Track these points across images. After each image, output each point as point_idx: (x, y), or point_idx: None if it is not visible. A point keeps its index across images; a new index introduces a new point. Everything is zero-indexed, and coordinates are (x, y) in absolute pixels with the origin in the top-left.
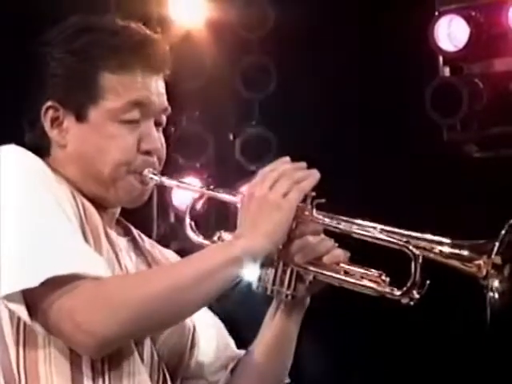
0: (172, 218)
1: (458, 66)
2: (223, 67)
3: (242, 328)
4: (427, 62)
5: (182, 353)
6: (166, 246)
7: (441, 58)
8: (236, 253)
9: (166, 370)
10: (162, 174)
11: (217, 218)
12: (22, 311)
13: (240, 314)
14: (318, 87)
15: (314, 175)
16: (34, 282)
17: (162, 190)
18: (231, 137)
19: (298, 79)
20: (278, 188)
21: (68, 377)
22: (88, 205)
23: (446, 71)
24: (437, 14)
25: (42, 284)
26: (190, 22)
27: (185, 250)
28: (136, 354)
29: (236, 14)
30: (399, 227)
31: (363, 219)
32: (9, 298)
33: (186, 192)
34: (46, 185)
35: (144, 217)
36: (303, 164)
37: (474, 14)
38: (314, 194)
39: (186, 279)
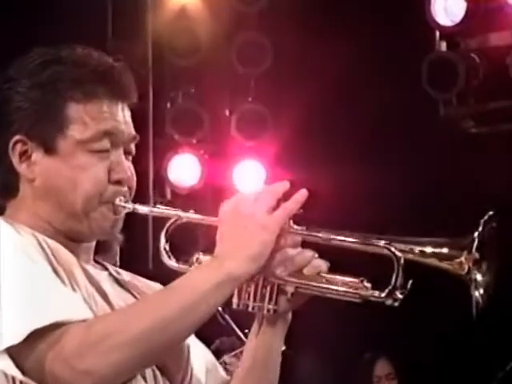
0: (168, 195)
1: (454, 40)
2: (219, 43)
3: None
4: (424, 37)
5: (185, 366)
6: (163, 223)
7: (437, 33)
8: (222, 278)
9: None
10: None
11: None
12: (11, 368)
13: None
14: (314, 63)
15: (301, 195)
16: (16, 338)
17: (158, 167)
18: (227, 113)
19: (294, 55)
20: (263, 204)
21: None
22: (56, 246)
23: (443, 46)
24: None
25: (27, 338)
26: None
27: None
28: (139, 376)
29: None
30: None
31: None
32: None
33: (183, 167)
34: (15, 238)
35: (140, 194)
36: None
37: None
38: (301, 211)
39: (173, 312)
